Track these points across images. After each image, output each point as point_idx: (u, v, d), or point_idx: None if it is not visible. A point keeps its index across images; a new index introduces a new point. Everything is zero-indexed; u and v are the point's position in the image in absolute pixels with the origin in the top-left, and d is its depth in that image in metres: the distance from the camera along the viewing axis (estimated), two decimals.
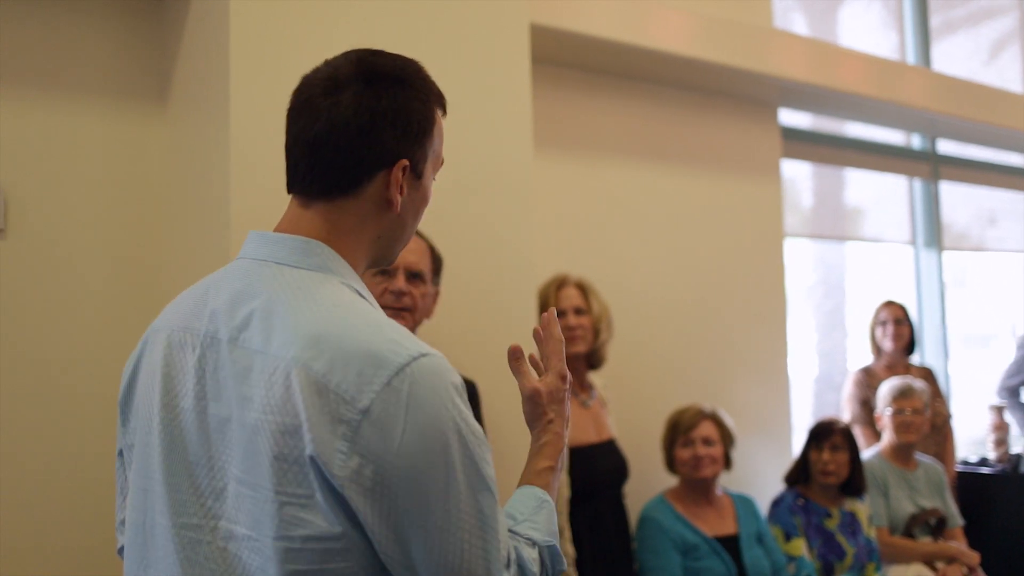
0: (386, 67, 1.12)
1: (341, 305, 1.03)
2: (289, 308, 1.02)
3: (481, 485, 1.00)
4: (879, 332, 3.96)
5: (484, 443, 1.02)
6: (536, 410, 1.25)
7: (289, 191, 1.14)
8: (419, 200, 1.16)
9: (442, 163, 1.20)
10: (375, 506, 0.95)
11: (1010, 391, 4.28)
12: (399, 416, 0.95)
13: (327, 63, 1.13)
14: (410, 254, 2.11)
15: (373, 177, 1.09)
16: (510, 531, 1.11)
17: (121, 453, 1.22)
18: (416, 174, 1.13)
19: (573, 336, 2.74)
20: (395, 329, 1.02)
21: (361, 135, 1.07)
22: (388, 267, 2.10)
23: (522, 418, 1.28)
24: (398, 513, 0.96)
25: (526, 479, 1.22)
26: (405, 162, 1.10)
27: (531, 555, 1.09)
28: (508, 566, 1.03)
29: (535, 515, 1.16)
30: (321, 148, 1.08)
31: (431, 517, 0.96)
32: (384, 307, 2.09)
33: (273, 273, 1.07)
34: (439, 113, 1.16)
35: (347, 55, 1.13)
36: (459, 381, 1.02)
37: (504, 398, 2.41)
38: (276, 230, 1.12)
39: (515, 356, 1.26)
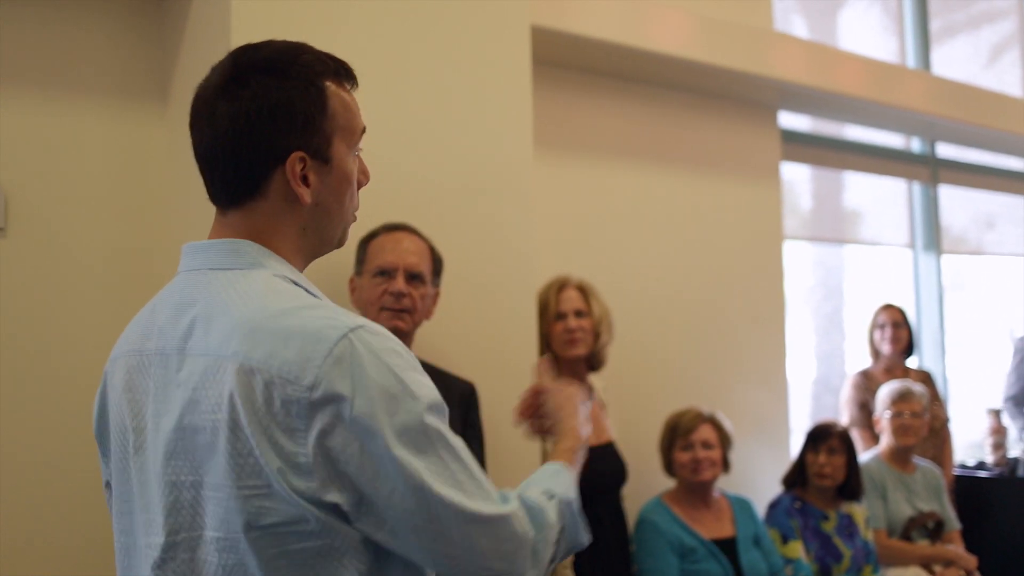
0: (257, 62, 1.10)
1: (273, 295, 1.05)
2: (225, 308, 1.04)
3: (439, 439, 1.02)
4: (877, 335, 3.96)
5: (439, 405, 1.04)
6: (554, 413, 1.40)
7: (212, 202, 1.15)
8: (337, 182, 1.13)
9: (363, 131, 1.16)
10: (341, 473, 0.98)
11: (1016, 400, 4.24)
12: (345, 383, 0.98)
13: (212, 68, 1.12)
14: (410, 255, 2.11)
15: (270, 176, 1.09)
16: (525, 487, 1.13)
17: (107, 484, 1.23)
18: (322, 159, 1.10)
19: (573, 339, 2.74)
20: (329, 308, 1.05)
21: (243, 139, 1.07)
22: (385, 266, 2.10)
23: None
24: (365, 473, 0.98)
25: (547, 460, 1.26)
26: (299, 154, 1.08)
27: (545, 502, 1.11)
28: (507, 501, 1.05)
29: (550, 479, 1.19)
30: (212, 161, 1.10)
31: (399, 472, 0.98)
32: (383, 308, 2.09)
33: (208, 279, 1.09)
34: (333, 87, 1.11)
35: (229, 55, 1.12)
36: (400, 347, 1.04)
37: (503, 400, 2.40)
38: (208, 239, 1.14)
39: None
